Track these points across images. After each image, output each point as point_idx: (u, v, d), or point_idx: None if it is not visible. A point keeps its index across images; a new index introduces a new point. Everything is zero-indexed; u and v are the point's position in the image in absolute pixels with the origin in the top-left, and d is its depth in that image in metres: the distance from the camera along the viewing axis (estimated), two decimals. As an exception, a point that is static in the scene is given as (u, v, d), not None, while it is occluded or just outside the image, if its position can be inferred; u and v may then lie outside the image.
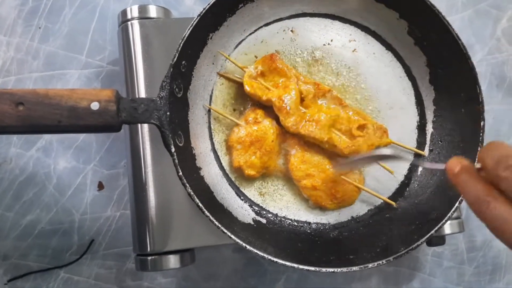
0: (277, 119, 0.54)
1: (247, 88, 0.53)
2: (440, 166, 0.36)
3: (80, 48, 0.65)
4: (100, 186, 0.62)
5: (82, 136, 0.63)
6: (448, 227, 0.57)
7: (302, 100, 0.54)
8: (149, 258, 0.53)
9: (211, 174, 0.53)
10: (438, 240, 0.58)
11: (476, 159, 0.34)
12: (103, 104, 0.43)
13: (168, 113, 0.45)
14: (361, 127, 0.54)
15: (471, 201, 0.33)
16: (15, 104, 0.41)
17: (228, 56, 0.56)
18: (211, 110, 0.55)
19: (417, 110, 0.58)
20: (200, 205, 0.45)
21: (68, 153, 0.63)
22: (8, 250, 0.60)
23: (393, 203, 0.55)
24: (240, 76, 0.56)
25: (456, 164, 0.34)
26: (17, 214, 0.61)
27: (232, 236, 0.45)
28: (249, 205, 0.54)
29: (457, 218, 0.58)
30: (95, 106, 0.43)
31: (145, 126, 0.55)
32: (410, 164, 0.57)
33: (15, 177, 0.62)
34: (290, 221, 0.54)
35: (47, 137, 0.63)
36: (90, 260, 0.61)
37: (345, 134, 0.54)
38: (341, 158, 0.53)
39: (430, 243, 0.58)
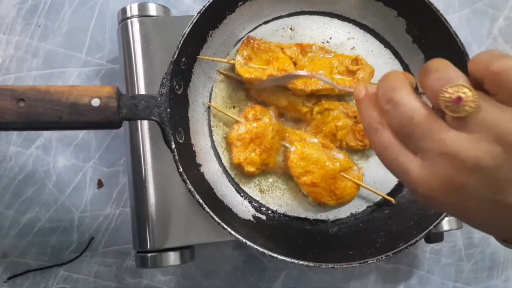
0: (279, 114, 0.55)
1: (246, 76, 0.53)
2: (350, 90, 0.37)
3: (80, 46, 0.65)
4: (100, 184, 0.62)
5: (81, 134, 0.63)
6: (446, 224, 0.57)
7: (294, 64, 0.55)
8: (149, 255, 0.53)
9: (211, 170, 0.54)
10: (436, 237, 0.58)
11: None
12: (104, 101, 0.43)
13: (168, 110, 0.45)
14: (355, 61, 0.56)
15: (364, 126, 0.33)
16: (16, 101, 0.41)
17: (214, 58, 0.56)
18: (211, 107, 0.55)
19: (415, 108, 0.59)
20: (201, 201, 0.45)
21: (68, 151, 0.63)
22: (7, 248, 0.60)
23: (392, 199, 0.55)
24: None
25: (361, 90, 0.34)
26: (16, 212, 0.61)
27: (233, 232, 0.46)
28: (249, 202, 0.54)
29: (455, 214, 0.59)
30: (96, 102, 0.43)
31: (145, 123, 0.55)
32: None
33: (15, 175, 0.62)
34: (289, 218, 0.55)
35: (46, 135, 0.63)
36: (90, 258, 0.61)
37: (344, 74, 0.55)
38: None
39: (429, 240, 0.58)
